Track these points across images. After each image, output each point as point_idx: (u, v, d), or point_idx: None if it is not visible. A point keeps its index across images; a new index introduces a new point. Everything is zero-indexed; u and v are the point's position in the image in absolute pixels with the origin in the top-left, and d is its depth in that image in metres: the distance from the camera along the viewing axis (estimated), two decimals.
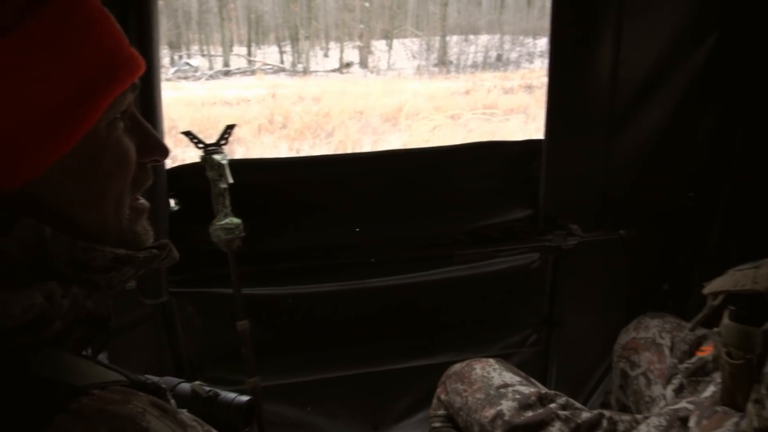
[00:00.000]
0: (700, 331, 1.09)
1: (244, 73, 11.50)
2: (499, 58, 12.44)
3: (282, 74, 11.67)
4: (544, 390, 1.09)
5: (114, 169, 0.47)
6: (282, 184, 1.40)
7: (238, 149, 7.46)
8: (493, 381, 1.11)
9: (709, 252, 1.55)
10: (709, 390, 0.88)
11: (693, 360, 1.11)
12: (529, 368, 1.67)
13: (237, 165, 1.29)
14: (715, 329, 0.80)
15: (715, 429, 0.79)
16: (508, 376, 1.13)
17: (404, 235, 1.48)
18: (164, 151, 0.52)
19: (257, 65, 11.89)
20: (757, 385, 0.64)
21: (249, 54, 12.35)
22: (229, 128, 1.28)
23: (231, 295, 1.31)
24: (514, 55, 12.29)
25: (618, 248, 1.57)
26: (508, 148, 1.46)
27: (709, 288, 0.84)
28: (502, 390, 1.08)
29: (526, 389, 1.07)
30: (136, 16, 1.08)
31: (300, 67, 12.11)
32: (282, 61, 12.29)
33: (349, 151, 6.99)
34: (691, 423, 0.85)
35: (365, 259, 1.46)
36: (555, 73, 1.32)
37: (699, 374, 1.06)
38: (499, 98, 9.36)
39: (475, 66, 12.27)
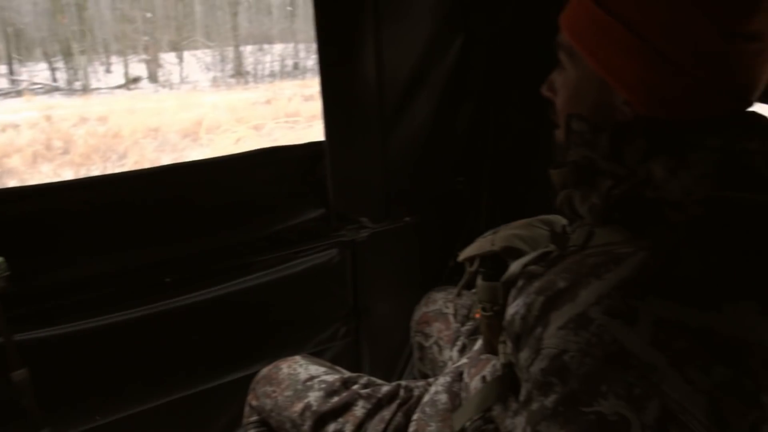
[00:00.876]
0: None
1: (7, 94, 10.02)
2: (296, 66, 12.61)
3: (56, 94, 10.42)
4: (347, 374, 1.15)
5: None
6: (53, 210, 1.26)
7: (10, 182, 6.49)
8: (300, 376, 1.14)
9: (481, 226, 1.78)
10: (478, 344, 1.01)
11: (470, 322, 1.27)
12: (343, 359, 1.75)
13: None
14: (473, 290, 0.92)
15: (478, 373, 0.92)
16: (314, 369, 1.17)
17: (199, 249, 1.44)
18: None
19: (23, 85, 10.44)
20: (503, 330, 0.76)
21: (11, 73, 10.78)
22: None
23: (1, 345, 1.15)
24: (310, 63, 12.56)
25: (407, 234, 1.72)
26: (292, 151, 1.51)
27: (462, 255, 0.97)
28: (308, 383, 1.12)
29: (331, 377, 1.12)
30: None
31: (78, 84, 10.93)
32: (55, 79, 10.96)
33: None
34: (464, 374, 0.97)
35: (159, 280, 1.38)
36: (326, 77, 1.39)
37: (475, 333, 1.22)
38: (301, 106, 9.48)
39: (273, 75, 12.27)
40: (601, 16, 0.61)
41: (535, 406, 0.55)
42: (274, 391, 1.14)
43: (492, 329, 0.85)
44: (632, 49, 0.59)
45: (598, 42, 0.63)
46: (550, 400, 0.53)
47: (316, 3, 1.31)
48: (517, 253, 0.87)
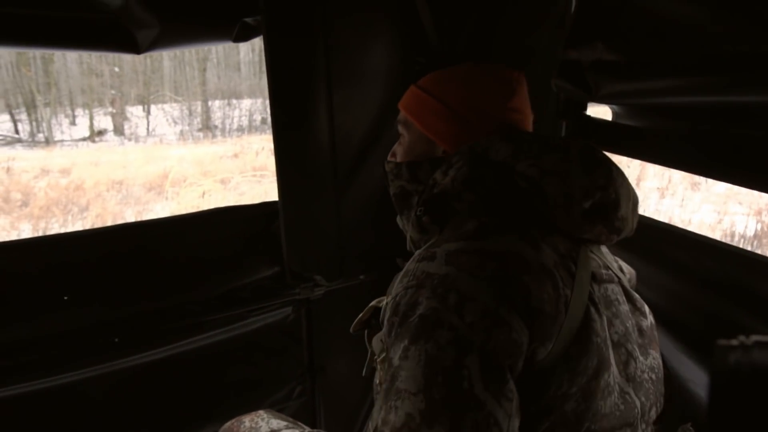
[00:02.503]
0: None
1: None
2: (263, 121, 12.78)
3: (18, 145, 10.27)
4: (308, 430, 1.14)
5: None
6: (1, 270, 1.25)
7: None
8: (261, 430, 1.13)
9: None
10: None
11: None
12: (300, 419, 1.71)
13: None
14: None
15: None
16: (275, 423, 1.16)
17: (152, 307, 1.42)
18: None
19: None
20: None
21: None
22: None
23: None
24: None
25: (362, 292, 1.73)
26: (247, 211, 1.53)
27: (353, 327, 1.07)
28: None
29: None
30: None
31: (41, 136, 10.81)
32: (17, 131, 10.82)
33: (109, 224, 6.41)
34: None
35: (109, 339, 1.36)
36: (279, 138, 1.43)
37: None
38: (268, 159, 9.55)
39: (241, 129, 12.38)
40: (425, 97, 0.94)
41: (388, 347, 0.72)
42: None
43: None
44: (443, 113, 0.92)
45: (424, 112, 0.93)
46: (392, 333, 0.71)
47: (269, 66, 1.37)
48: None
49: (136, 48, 1.25)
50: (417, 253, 0.79)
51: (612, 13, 1.20)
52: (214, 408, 1.56)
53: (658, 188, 7.02)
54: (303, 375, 1.71)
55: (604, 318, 0.77)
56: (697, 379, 1.20)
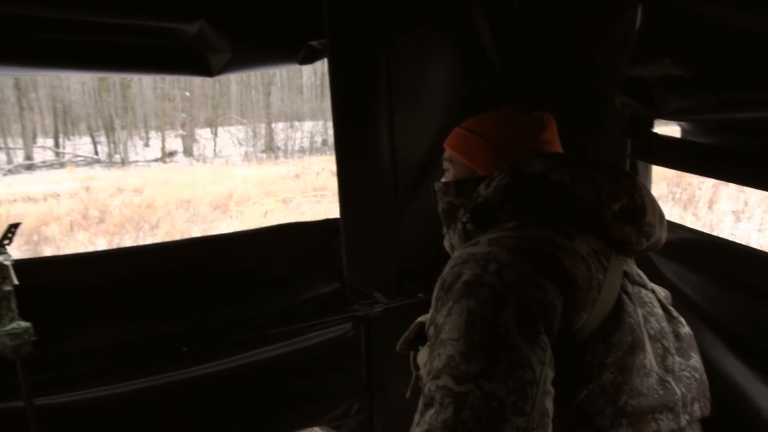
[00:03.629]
0: None
1: (51, 166, 10.57)
2: (324, 142, 13.08)
3: (97, 166, 10.96)
4: None
5: None
6: (78, 280, 1.33)
7: (47, 249, 6.73)
8: None
9: None
10: None
11: None
12: None
13: (25, 264, 1.22)
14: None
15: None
16: None
17: (217, 320, 1.48)
18: None
19: (67, 157, 11.03)
20: None
21: (56, 146, 11.42)
22: (13, 227, 1.21)
23: (22, 409, 1.19)
24: None
25: (420, 310, 1.72)
26: (310, 228, 1.57)
27: (398, 345, 1.09)
28: None
29: None
30: None
31: (117, 157, 11.49)
32: (96, 152, 11.56)
33: None
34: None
35: (176, 349, 1.42)
36: (342, 158, 1.47)
37: None
38: (328, 180, 9.74)
39: (302, 151, 12.72)
40: (468, 135, 1.04)
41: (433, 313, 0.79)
42: None
43: None
44: (482, 145, 1.01)
45: (466, 148, 1.03)
46: (438, 303, 0.78)
47: (333, 87, 1.41)
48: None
49: (209, 71, 1.33)
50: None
51: (680, 28, 1.17)
52: (274, 419, 1.59)
53: (733, 211, 6.66)
54: (361, 392, 1.71)
55: (637, 309, 0.82)
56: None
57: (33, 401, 1.19)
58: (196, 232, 7.42)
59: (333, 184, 9.24)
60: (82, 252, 1.37)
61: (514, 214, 0.89)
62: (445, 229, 1.05)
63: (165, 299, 1.42)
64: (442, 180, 1.09)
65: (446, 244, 1.07)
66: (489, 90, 1.62)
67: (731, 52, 1.05)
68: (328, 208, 8.14)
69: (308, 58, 1.43)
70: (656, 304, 0.89)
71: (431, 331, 0.77)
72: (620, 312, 0.78)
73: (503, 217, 0.89)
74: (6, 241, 1.19)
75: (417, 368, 0.99)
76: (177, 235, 7.26)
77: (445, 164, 1.09)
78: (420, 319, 1.04)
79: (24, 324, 1.16)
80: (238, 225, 7.59)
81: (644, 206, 0.89)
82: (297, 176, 10.12)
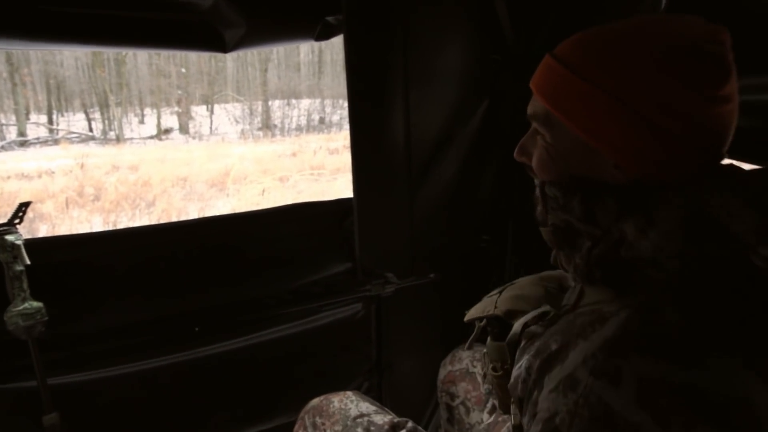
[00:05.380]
0: None
1: (45, 142, 10.46)
2: (321, 120, 12.99)
3: (92, 143, 10.84)
4: (396, 419, 1.14)
5: None
6: (89, 260, 1.32)
7: (42, 227, 6.69)
8: (350, 412, 1.14)
9: (506, 283, 1.78)
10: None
11: (487, 383, 1.26)
12: None
13: (35, 244, 1.21)
14: (483, 350, 0.91)
15: None
16: (365, 406, 1.16)
17: (229, 300, 1.47)
18: None
19: (61, 134, 10.91)
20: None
21: (50, 122, 11.28)
22: (24, 206, 1.19)
23: (35, 389, 1.18)
24: (336, 118, 12.92)
25: (432, 291, 1.73)
26: (321, 207, 1.55)
27: (468, 316, 0.98)
28: (358, 420, 1.11)
29: (380, 418, 1.12)
30: None
31: (112, 134, 11.38)
32: (91, 129, 11.43)
33: (174, 220, 6.68)
34: None
35: (189, 329, 1.41)
36: (356, 136, 1.44)
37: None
38: (326, 159, 9.71)
39: (299, 129, 12.63)
40: (584, 86, 0.62)
41: None
42: (323, 424, 1.14)
43: (503, 389, 0.85)
44: (620, 117, 0.61)
45: (583, 112, 0.63)
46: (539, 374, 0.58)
47: (348, 65, 1.39)
48: (519, 315, 0.88)
49: (223, 47, 1.30)
50: (573, 313, 0.67)
51: (707, 5, 1.15)
52: (284, 398, 1.59)
53: None
54: (371, 371, 1.72)
55: None
56: None
57: (46, 381, 1.19)
58: (193, 209, 7.40)
59: (330, 162, 9.25)
60: (92, 231, 1.36)
61: (677, 279, 0.58)
62: (555, 251, 0.74)
63: (177, 279, 1.41)
64: (527, 147, 0.73)
65: (545, 236, 0.74)
66: (504, 69, 1.60)
67: (754, 31, 1.03)
68: (325, 187, 8.11)
69: (324, 35, 1.40)
70: None
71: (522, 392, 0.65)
72: None
73: (659, 280, 0.59)
74: (17, 221, 1.17)
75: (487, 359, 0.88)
76: (174, 213, 7.23)
77: (536, 125, 0.70)
78: (490, 311, 0.93)
79: (36, 304, 1.15)
80: (235, 203, 7.56)
81: None
82: (294, 154, 10.07)
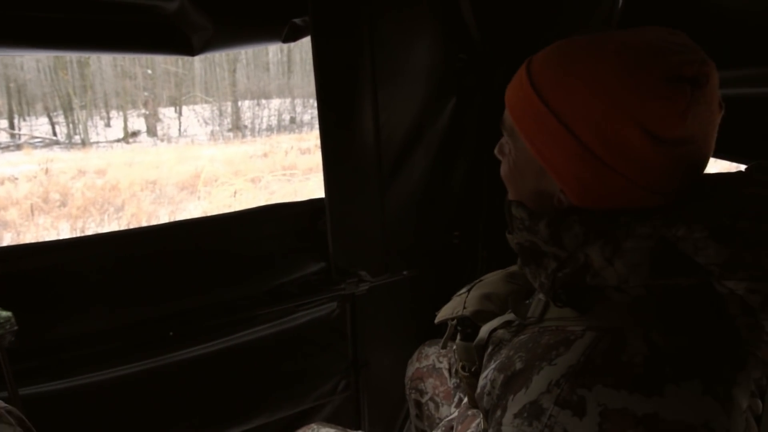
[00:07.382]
0: None
1: (6, 148, 10.16)
2: (292, 120, 12.88)
3: (56, 147, 10.57)
4: None
5: None
6: (58, 267, 1.30)
7: (6, 235, 6.51)
8: None
9: (478, 278, 1.81)
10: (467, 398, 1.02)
11: (456, 378, 1.28)
12: (343, 413, 1.75)
13: (3, 252, 1.20)
14: (453, 347, 0.93)
15: (465, 430, 0.94)
16: None
17: (203, 303, 1.47)
18: None
19: (23, 139, 10.60)
20: None
21: (11, 127, 10.96)
22: None
23: (6, 399, 1.16)
24: (306, 117, 12.83)
25: (405, 288, 1.75)
26: (294, 208, 1.56)
27: (438, 317, 0.97)
28: None
29: None
30: None
31: (77, 138, 11.10)
32: (55, 133, 11.14)
33: (144, 224, 6.57)
34: (454, 429, 0.98)
35: (163, 333, 1.41)
36: (326, 137, 1.46)
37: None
38: (298, 159, 9.63)
39: (270, 129, 12.51)
40: (538, 103, 0.61)
41: None
42: None
43: (472, 387, 0.85)
44: (564, 143, 0.59)
45: (535, 129, 0.62)
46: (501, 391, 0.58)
47: (317, 66, 1.40)
48: (487, 315, 0.88)
49: (191, 50, 1.30)
50: (537, 328, 0.68)
51: (661, 7, 1.19)
52: (262, 400, 1.60)
53: None
54: (347, 369, 1.74)
55: None
56: None
57: (17, 391, 1.17)
58: (163, 213, 7.28)
59: (302, 162, 9.20)
60: (62, 238, 1.34)
61: (640, 305, 0.60)
62: (519, 263, 0.72)
63: (150, 284, 1.40)
64: (502, 151, 0.73)
65: (511, 243, 0.73)
66: (470, 68, 1.63)
67: (713, 29, 1.07)
68: (298, 187, 8.06)
69: (291, 36, 1.40)
70: None
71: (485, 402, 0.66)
72: None
73: (621, 302, 0.61)
74: None
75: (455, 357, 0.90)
76: (144, 217, 7.11)
77: (504, 134, 0.71)
78: (460, 312, 0.93)
79: (5, 313, 1.13)
80: (206, 206, 7.47)
81: None
82: (265, 155, 9.97)
